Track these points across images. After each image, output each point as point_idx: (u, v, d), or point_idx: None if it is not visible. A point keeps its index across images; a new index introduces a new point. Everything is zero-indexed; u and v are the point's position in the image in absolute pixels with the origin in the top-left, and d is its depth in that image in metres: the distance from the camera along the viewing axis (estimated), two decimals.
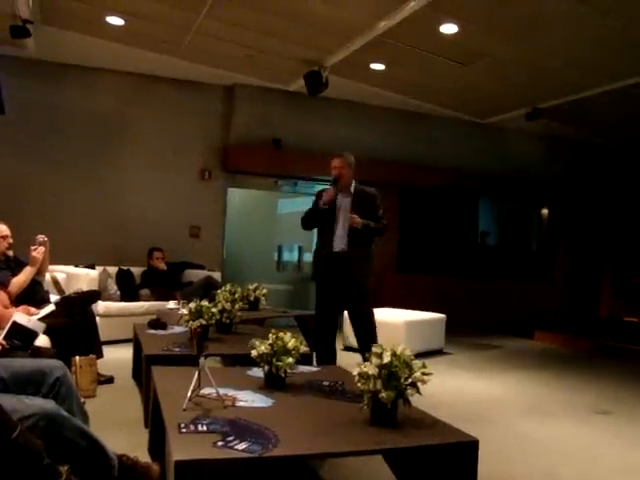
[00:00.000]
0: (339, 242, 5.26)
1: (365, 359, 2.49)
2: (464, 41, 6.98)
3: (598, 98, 8.60)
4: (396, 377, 2.28)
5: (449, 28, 6.61)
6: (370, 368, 2.31)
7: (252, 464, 2.12)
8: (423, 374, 2.34)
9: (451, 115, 10.20)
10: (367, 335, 5.26)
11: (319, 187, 10.57)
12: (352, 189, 5.40)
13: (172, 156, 9.21)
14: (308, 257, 11.03)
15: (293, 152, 9.56)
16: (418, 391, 2.33)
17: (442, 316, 7.81)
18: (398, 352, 2.32)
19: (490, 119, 10.20)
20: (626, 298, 10.53)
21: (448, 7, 6.07)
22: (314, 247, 5.64)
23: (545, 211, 12.35)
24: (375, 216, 5.30)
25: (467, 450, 2.25)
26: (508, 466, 3.66)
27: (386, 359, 2.29)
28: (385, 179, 9.68)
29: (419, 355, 7.11)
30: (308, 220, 5.49)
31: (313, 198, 5.51)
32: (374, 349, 2.39)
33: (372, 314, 5.36)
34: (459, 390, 5.84)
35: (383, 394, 2.27)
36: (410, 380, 2.30)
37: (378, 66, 8.03)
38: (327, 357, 5.22)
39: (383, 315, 7.55)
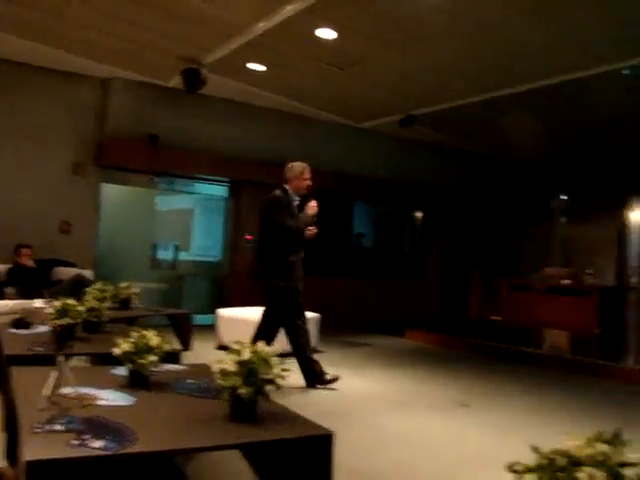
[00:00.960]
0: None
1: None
2: (341, 47, 7.17)
3: (469, 107, 9.06)
4: (255, 373, 2.34)
5: (327, 33, 6.77)
6: (230, 365, 2.36)
7: (108, 462, 2.10)
8: (282, 370, 2.41)
9: (331, 118, 10.41)
10: None
11: (200, 185, 10.59)
12: None
13: (43, 149, 8.88)
14: (184, 256, 10.92)
15: (171, 149, 9.46)
16: (277, 387, 2.40)
17: (316, 315, 7.96)
18: (258, 349, 2.38)
19: (366, 123, 10.48)
20: (492, 298, 11.09)
21: (325, 13, 6.22)
22: (277, 254, 6.12)
23: (419, 214, 12.82)
24: None
25: (322, 443, 2.34)
26: (370, 459, 3.81)
27: (246, 356, 2.35)
28: (266, 180, 9.74)
29: (292, 353, 7.25)
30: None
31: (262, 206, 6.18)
32: (234, 346, 2.43)
33: None
34: (330, 387, 5.97)
35: (242, 390, 2.31)
36: (269, 376, 2.36)
37: (258, 67, 8.09)
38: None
39: (256, 314, 7.61)
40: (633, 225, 11.47)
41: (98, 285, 5.60)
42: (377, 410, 5.19)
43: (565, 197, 13.17)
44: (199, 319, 8.19)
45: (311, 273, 10.78)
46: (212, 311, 8.76)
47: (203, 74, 7.77)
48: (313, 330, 7.89)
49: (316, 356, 7.63)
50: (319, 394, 5.59)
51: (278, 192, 6.03)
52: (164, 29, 6.93)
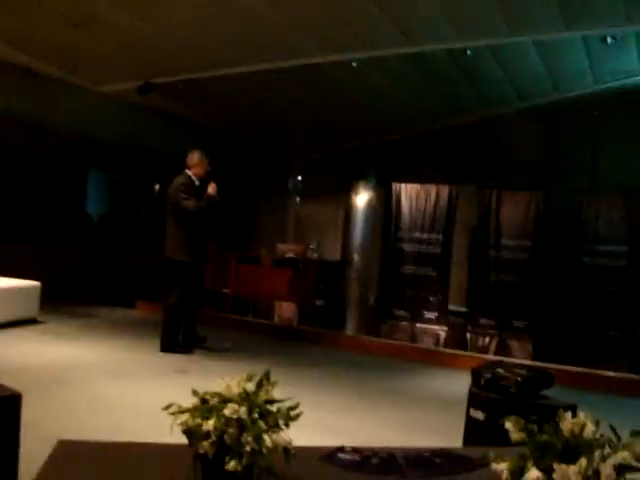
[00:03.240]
0: None
1: None
2: (78, 1, 6.81)
3: (208, 81, 9.11)
4: None
5: None
6: None
7: None
8: None
9: (67, 79, 9.77)
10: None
11: None
12: None
13: None
14: None
15: None
16: None
17: (36, 284, 7.47)
18: None
19: (103, 87, 9.99)
20: (225, 271, 11.35)
21: None
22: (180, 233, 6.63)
23: (157, 186, 12.66)
24: None
25: (8, 404, 2.29)
26: (78, 423, 3.83)
27: None
28: None
29: (9, 324, 6.85)
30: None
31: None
32: None
33: None
34: (47, 357, 5.81)
35: None
36: None
37: None
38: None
39: None
40: (357, 207, 12.40)
41: None
42: (94, 378, 5.12)
43: (300, 178, 13.90)
44: None
45: (35, 241, 10.20)
46: None
47: None
48: (32, 300, 7.46)
49: (37, 327, 7.30)
50: (32, 363, 5.36)
51: (182, 178, 6.64)
52: None
